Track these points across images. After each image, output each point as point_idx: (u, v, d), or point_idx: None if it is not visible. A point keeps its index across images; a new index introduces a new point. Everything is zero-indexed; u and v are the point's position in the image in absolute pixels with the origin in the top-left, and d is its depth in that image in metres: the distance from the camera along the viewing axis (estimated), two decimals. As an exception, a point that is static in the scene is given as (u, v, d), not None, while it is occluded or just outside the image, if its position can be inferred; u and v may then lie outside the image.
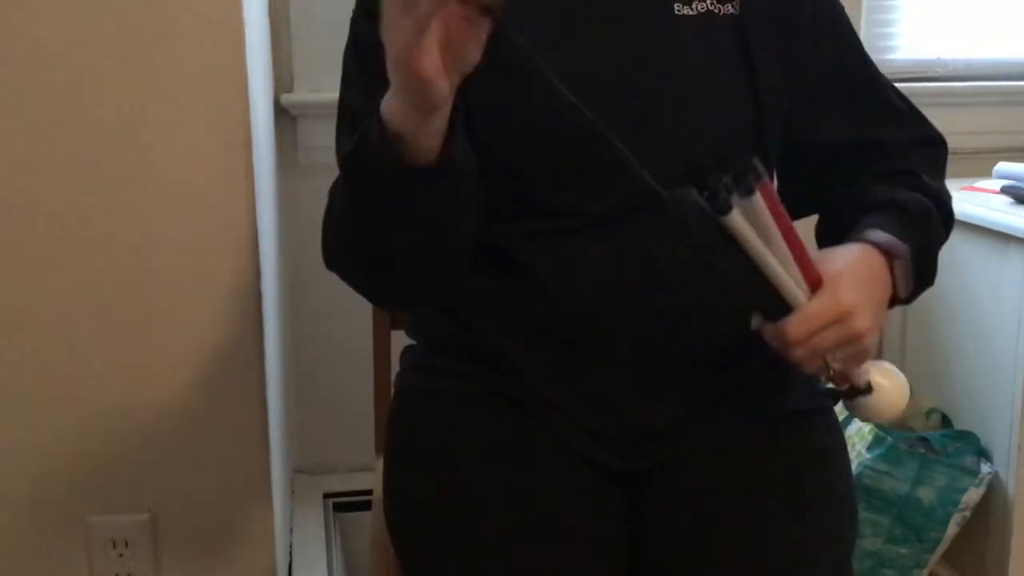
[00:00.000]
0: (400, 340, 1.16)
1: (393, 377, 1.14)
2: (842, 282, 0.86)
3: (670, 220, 0.91)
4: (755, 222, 0.82)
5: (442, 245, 0.90)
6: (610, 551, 0.95)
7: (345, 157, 0.84)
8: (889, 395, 0.92)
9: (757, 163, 0.80)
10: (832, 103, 1.03)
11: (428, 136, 0.80)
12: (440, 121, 0.80)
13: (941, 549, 1.75)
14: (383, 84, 0.81)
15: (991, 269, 1.71)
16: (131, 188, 1.17)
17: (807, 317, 0.85)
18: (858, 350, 0.87)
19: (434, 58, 0.73)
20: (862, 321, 0.86)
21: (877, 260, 0.92)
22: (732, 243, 0.82)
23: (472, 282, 1.01)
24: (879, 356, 2.02)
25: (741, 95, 0.97)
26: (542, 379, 0.98)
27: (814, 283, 0.86)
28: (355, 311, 1.48)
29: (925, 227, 0.98)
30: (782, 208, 0.82)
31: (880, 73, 1.07)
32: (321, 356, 1.88)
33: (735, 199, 0.80)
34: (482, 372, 1.01)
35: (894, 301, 0.94)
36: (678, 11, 0.96)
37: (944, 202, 1.02)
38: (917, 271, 0.95)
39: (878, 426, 1.74)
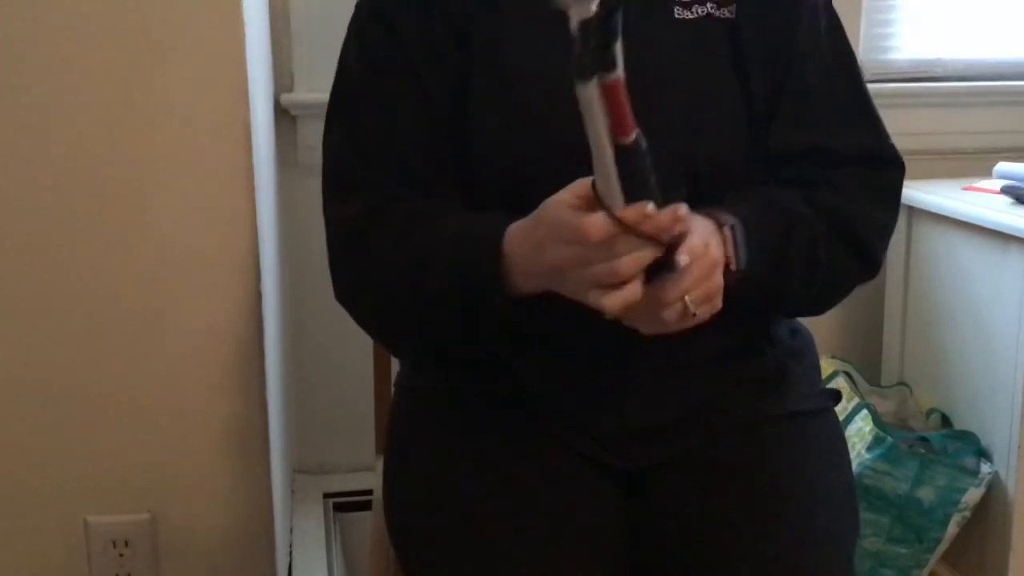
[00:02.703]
0: (400, 340, 1.16)
1: (393, 377, 1.14)
2: None
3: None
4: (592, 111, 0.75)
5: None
6: (610, 550, 0.95)
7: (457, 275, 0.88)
8: None
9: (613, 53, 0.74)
10: (790, 110, 0.98)
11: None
12: None
13: (941, 549, 1.75)
14: (399, 97, 0.81)
15: (991, 269, 1.71)
16: (130, 188, 1.17)
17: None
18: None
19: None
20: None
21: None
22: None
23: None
24: (880, 356, 2.02)
25: (735, 101, 0.97)
26: (541, 379, 0.98)
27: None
28: (355, 311, 1.48)
29: (781, 219, 0.93)
30: (625, 111, 0.76)
31: (863, 85, 1.02)
32: (321, 356, 1.88)
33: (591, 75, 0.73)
34: (481, 372, 1.01)
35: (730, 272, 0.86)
36: (677, 15, 0.96)
37: (852, 225, 0.96)
38: (769, 264, 0.90)
39: (879, 426, 1.74)
